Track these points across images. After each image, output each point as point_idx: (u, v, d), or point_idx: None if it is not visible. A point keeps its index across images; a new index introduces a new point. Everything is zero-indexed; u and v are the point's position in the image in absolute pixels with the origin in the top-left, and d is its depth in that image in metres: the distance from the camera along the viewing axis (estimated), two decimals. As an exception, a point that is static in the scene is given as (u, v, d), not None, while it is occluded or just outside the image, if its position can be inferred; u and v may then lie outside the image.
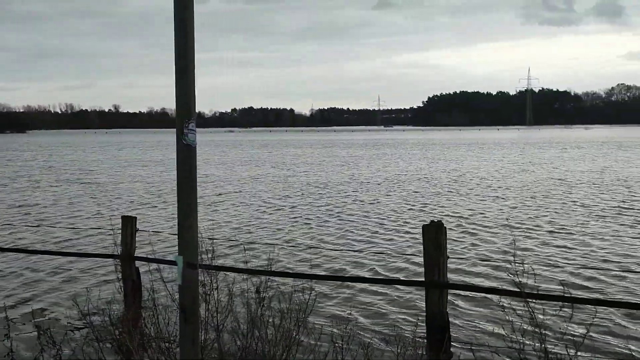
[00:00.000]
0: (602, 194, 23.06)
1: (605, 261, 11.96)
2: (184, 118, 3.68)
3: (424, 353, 6.88)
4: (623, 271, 10.98)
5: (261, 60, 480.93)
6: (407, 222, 17.04)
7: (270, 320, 5.62)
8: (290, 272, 9.49)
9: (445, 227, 6.93)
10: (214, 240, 6.90)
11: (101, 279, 10.80)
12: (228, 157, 54.53)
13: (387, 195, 23.96)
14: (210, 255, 6.17)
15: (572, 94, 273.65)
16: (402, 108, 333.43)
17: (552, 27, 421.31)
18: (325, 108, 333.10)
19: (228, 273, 6.84)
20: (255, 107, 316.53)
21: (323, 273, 10.98)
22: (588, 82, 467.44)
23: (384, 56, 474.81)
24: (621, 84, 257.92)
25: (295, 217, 18.34)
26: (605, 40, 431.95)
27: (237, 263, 10.74)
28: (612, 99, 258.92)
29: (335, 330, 6.76)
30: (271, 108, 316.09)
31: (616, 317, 8.39)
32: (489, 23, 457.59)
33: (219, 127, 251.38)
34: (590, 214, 18.03)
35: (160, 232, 14.16)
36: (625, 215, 17.65)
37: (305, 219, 18.05)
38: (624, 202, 20.54)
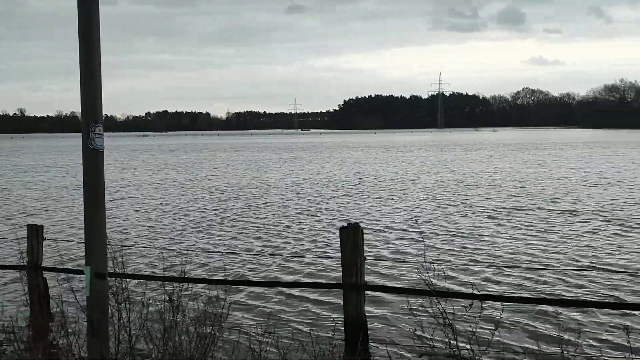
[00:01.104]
0: (501, 193, 23.91)
1: (511, 259, 12.42)
2: (90, 122, 3.54)
3: (342, 354, 6.92)
4: (528, 269, 11.42)
5: (175, 63, 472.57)
6: (322, 225, 17.07)
7: (186, 327, 5.49)
8: (205, 278, 9.32)
9: (362, 230, 7.00)
10: (126, 248, 6.68)
11: (5, 291, 10.25)
12: (135, 162, 53.04)
13: (301, 198, 23.92)
14: (122, 264, 5.97)
15: (481, 97, 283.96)
16: (319, 111, 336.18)
17: (460, 33, 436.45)
18: (242, 111, 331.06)
19: (142, 281, 6.65)
20: (170, 111, 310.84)
21: (239, 278, 10.87)
22: (495, 86, 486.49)
23: (299, 60, 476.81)
24: (526, 88, 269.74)
25: (206, 223, 17.97)
26: (509, 46, 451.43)
27: (150, 271, 10.48)
28: (518, 102, 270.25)
29: (252, 334, 6.69)
30: (186, 112, 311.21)
31: (524, 313, 8.71)
32: (399, 28, 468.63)
33: (133, 131, 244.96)
34: (490, 213, 18.62)
35: (69, 240, 13.61)
36: (518, 215, 18.35)
37: (218, 224, 17.77)
38: (520, 201, 21.40)
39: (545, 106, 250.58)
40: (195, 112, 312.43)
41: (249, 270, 11.74)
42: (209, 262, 12.29)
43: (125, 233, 16.06)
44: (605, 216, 17.45)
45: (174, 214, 19.98)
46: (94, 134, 3.52)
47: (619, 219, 16.83)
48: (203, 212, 20.28)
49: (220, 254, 12.87)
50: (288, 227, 16.95)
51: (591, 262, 11.89)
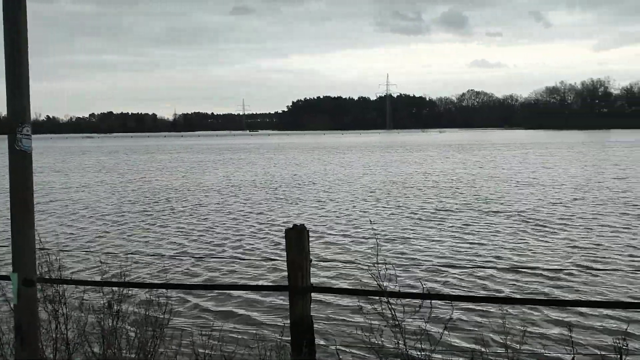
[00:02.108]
0: (440, 194, 24.30)
1: (459, 258, 12.59)
2: (17, 122, 3.36)
3: (289, 358, 6.84)
4: (475, 267, 11.59)
5: (120, 64, 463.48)
6: (266, 227, 16.95)
7: (126, 333, 5.33)
8: (146, 282, 9.11)
9: (307, 231, 6.92)
10: (62, 253, 6.44)
11: None
12: (71, 164, 51.62)
13: (242, 200, 23.68)
14: (58, 270, 5.74)
15: (428, 99, 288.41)
16: (267, 112, 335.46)
17: (405, 35, 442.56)
18: (189, 113, 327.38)
19: (80, 287, 6.42)
20: (115, 112, 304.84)
21: (182, 282, 10.66)
22: (441, 88, 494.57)
23: (247, 61, 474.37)
24: (471, 90, 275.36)
25: (144, 226, 17.63)
26: (453, 48, 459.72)
27: (88, 276, 10.19)
28: (463, 104, 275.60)
29: (196, 339, 6.54)
30: (132, 113, 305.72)
31: (472, 312, 8.81)
32: (346, 30, 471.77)
33: (76, 133, 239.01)
34: (430, 214, 18.87)
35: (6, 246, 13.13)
36: (455, 215, 18.65)
37: (159, 226, 17.49)
38: (459, 202, 21.79)
39: (489, 108, 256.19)
40: (141, 113, 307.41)
41: (192, 274, 11.54)
42: (150, 266, 12.02)
43: (60, 237, 15.59)
44: (531, 217, 17.90)
45: (108, 217, 19.50)
46: (21, 135, 3.34)
47: (543, 219, 17.29)
48: (141, 214, 19.88)
49: (162, 257, 12.62)
50: (232, 229, 16.77)
51: (534, 261, 12.14)
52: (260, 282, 10.73)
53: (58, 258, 5.77)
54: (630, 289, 9.91)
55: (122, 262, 10.33)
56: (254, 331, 8.04)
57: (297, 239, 6.81)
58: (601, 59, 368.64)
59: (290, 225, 6.17)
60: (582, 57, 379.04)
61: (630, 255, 12.43)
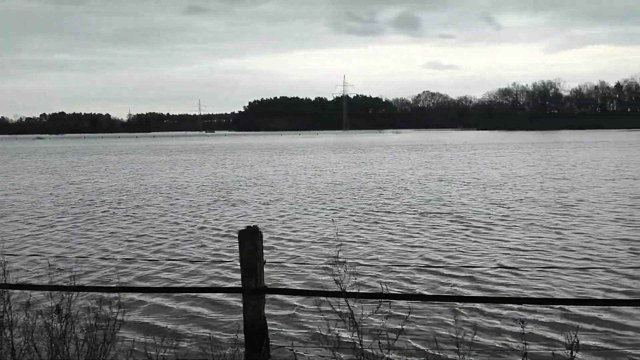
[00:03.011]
0: (390, 194, 24.56)
1: (417, 257, 12.71)
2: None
3: (243, 359, 6.79)
4: (437, 266, 11.72)
5: (73, 63, 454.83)
6: (219, 229, 16.79)
7: (75, 338, 5.21)
8: (97, 286, 8.93)
9: (261, 232, 6.89)
10: (6, 257, 6.26)
11: None
12: (15, 165, 50.25)
13: (191, 202, 23.39)
14: (2, 274, 5.58)
15: (384, 100, 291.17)
16: (224, 113, 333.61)
17: (360, 36, 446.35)
18: (144, 113, 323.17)
19: (26, 291, 6.25)
20: (67, 113, 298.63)
21: (133, 285, 10.49)
22: (397, 89, 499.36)
23: (203, 61, 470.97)
24: (426, 91, 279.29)
25: (93, 228, 17.32)
26: (407, 50, 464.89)
27: (35, 280, 9.95)
28: (419, 105, 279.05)
29: (149, 342, 6.44)
30: (85, 113, 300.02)
31: (428, 310, 8.90)
32: (302, 31, 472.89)
33: (27, 134, 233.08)
34: (387, 213, 19.03)
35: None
36: (411, 213, 18.91)
37: (106, 229, 17.14)
38: (418, 201, 22.06)
39: (444, 109, 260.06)
40: (94, 113, 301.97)
41: (144, 276, 11.36)
42: (100, 269, 11.79)
43: (5, 241, 15.15)
44: (473, 217, 18.22)
45: (52, 220, 19.03)
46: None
47: (488, 219, 17.64)
48: (85, 217, 19.46)
49: (112, 260, 12.40)
50: (182, 231, 16.54)
51: (483, 260, 12.35)
52: (213, 284, 10.63)
53: (3, 261, 5.61)
54: (572, 287, 10.15)
55: (71, 265, 10.11)
56: (208, 333, 7.95)
57: (250, 240, 6.77)
58: (551, 61, 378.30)
59: (243, 227, 6.13)
60: (533, 59, 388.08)
61: (569, 253, 12.75)
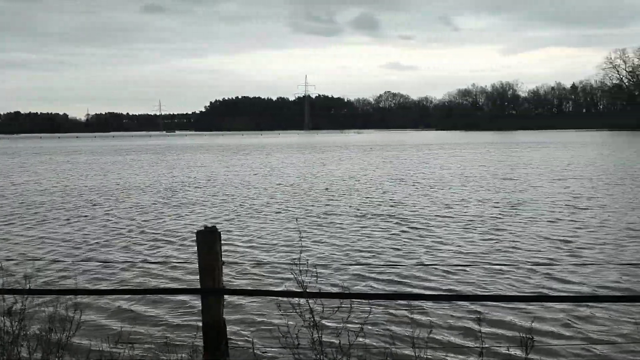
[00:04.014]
0: (355, 193, 24.74)
1: (373, 256, 12.81)
2: None
3: (202, 361, 6.75)
4: (393, 266, 11.82)
5: (29, 62, 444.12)
6: (176, 230, 16.63)
7: (27, 342, 5.11)
8: (52, 288, 8.76)
9: (219, 233, 6.86)
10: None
11: None
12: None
13: (148, 202, 23.12)
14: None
15: (346, 100, 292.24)
16: (185, 113, 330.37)
17: (319, 37, 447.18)
18: (103, 113, 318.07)
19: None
20: (22, 112, 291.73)
21: (89, 287, 10.32)
22: (358, 89, 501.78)
23: (163, 61, 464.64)
24: (387, 91, 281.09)
25: (47, 229, 17.00)
26: (367, 50, 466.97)
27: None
28: (380, 105, 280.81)
29: (105, 346, 6.35)
30: (41, 113, 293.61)
31: (388, 309, 8.98)
32: (262, 31, 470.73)
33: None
34: (342, 213, 19.12)
35: None
36: (365, 213, 19.07)
37: (59, 230, 16.83)
38: (370, 201, 22.23)
39: (405, 109, 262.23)
40: (51, 113, 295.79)
41: (101, 279, 11.19)
42: (55, 271, 11.57)
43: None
44: (432, 216, 18.50)
45: (10, 220, 18.68)
46: None
47: (446, 219, 17.92)
48: (39, 219, 19.04)
49: (67, 262, 12.19)
50: (137, 232, 16.31)
51: (443, 258, 12.52)
52: (171, 285, 10.54)
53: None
54: (526, 284, 10.37)
55: (23, 267, 9.91)
56: (166, 335, 7.88)
57: (208, 240, 6.74)
58: (509, 62, 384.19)
59: (200, 228, 6.10)
60: (491, 60, 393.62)
61: (519, 252, 13.03)
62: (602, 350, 7.41)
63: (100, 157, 62.27)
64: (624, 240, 13.82)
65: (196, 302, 8.35)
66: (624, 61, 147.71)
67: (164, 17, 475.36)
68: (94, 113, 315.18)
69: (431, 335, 7.28)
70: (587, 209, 18.84)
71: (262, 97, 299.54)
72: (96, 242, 14.98)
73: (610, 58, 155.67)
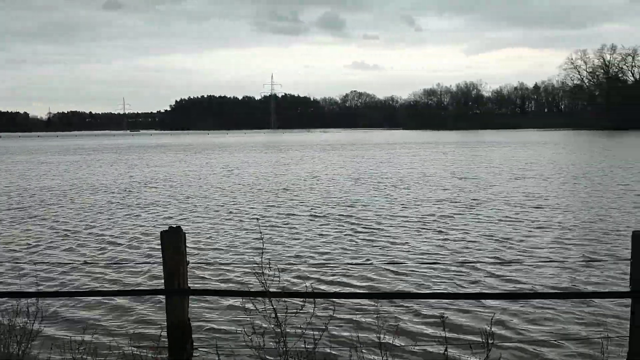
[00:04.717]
0: (314, 193, 24.80)
1: (335, 255, 12.87)
2: None
3: (166, 362, 6.71)
4: (355, 265, 11.89)
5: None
6: (140, 230, 16.49)
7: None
8: (12, 291, 8.60)
9: (184, 233, 6.82)
10: None
11: None
12: None
13: (109, 203, 22.81)
14: None
15: (312, 99, 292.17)
16: (150, 112, 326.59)
17: (284, 36, 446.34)
18: (66, 112, 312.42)
19: None
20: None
21: (51, 289, 10.15)
22: (325, 88, 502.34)
23: (127, 59, 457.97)
24: (354, 91, 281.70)
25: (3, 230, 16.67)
26: (333, 50, 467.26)
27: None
28: (347, 104, 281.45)
29: (67, 349, 6.27)
30: (1, 112, 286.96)
31: (353, 308, 9.04)
32: (226, 30, 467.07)
33: None
34: (303, 213, 19.18)
35: None
36: (326, 212, 19.17)
37: (14, 231, 16.57)
38: (330, 200, 22.35)
39: (372, 108, 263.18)
40: (11, 112, 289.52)
41: (63, 281, 11.01)
42: (16, 274, 11.27)
43: None
44: (390, 215, 18.69)
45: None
46: None
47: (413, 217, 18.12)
48: None
49: (27, 264, 11.96)
50: (101, 234, 16.07)
51: (406, 256, 12.65)
52: (136, 287, 10.43)
53: None
54: (486, 281, 10.55)
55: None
56: (130, 337, 7.80)
57: (173, 240, 6.69)
58: (472, 62, 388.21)
59: (164, 228, 6.07)
60: (455, 60, 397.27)
61: (482, 250, 13.24)
62: (552, 348, 7.57)
63: (59, 157, 61.13)
64: (576, 239, 14.14)
65: (161, 303, 8.30)
66: (585, 62, 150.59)
67: (126, 15, 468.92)
68: (56, 112, 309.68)
69: (397, 333, 7.37)
70: (539, 207, 19.20)
71: (228, 96, 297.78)
72: (55, 245, 14.70)
73: (571, 59, 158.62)
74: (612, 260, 11.55)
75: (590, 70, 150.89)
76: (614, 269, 11.00)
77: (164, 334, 6.76)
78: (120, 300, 9.50)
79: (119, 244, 14.70)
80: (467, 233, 15.14)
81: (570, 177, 29.43)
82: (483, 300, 9.11)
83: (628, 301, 5.84)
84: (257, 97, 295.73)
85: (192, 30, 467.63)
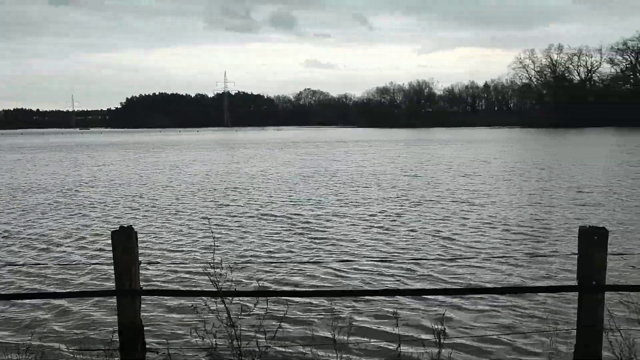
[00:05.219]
0: (262, 192, 24.81)
1: (290, 254, 12.87)
2: None
3: (118, 364, 6.60)
4: (302, 263, 11.91)
5: None
6: (89, 230, 16.18)
7: None
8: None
9: (136, 233, 6.72)
10: None
11: None
12: None
13: (54, 203, 22.30)
14: None
15: (266, 97, 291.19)
16: (100, 109, 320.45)
17: (238, 33, 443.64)
18: (11, 109, 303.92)
19: None
20: None
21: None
22: (278, 86, 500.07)
23: (75, 55, 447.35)
24: (307, 88, 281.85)
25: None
26: (286, 48, 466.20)
27: None
28: (301, 102, 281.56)
29: (13, 352, 6.12)
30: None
31: (306, 306, 9.05)
32: (178, 27, 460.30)
33: None
34: (254, 212, 19.17)
35: None
36: (274, 211, 19.22)
37: None
38: (279, 199, 22.39)
39: (325, 106, 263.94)
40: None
41: (9, 282, 10.75)
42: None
43: None
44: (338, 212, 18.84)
45: None
46: None
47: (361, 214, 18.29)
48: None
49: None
50: (49, 234, 15.71)
51: (357, 254, 12.73)
52: (86, 288, 10.23)
53: None
54: (436, 278, 10.72)
55: None
56: (80, 340, 7.65)
57: (124, 240, 6.59)
58: (424, 61, 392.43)
59: (114, 228, 5.97)
60: (407, 59, 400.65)
61: (434, 246, 13.45)
62: (502, 345, 7.74)
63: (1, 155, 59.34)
64: (523, 235, 14.48)
65: (112, 304, 8.15)
66: (533, 61, 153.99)
67: (74, 10, 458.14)
68: (0, 109, 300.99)
69: (350, 330, 7.41)
70: (486, 204, 19.56)
71: (181, 94, 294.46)
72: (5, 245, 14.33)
73: (520, 58, 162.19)
74: (559, 255, 11.86)
75: (538, 69, 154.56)
76: (560, 263, 11.30)
77: (116, 335, 6.66)
78: (69, 302, 9.29)
79: (67, 244, 14.38)
80: (415, 230, 15.32)
81: (517, 174, 30.10)
82: (433, 297, 9.23)
83: (576, 295, 6.02)
84: (211, 95, 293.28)
85: (142, 27, 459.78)
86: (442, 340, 5.44)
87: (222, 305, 5.41)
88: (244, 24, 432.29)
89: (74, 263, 12.20)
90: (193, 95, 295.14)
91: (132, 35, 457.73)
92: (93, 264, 11.92)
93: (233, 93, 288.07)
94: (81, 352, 6.05)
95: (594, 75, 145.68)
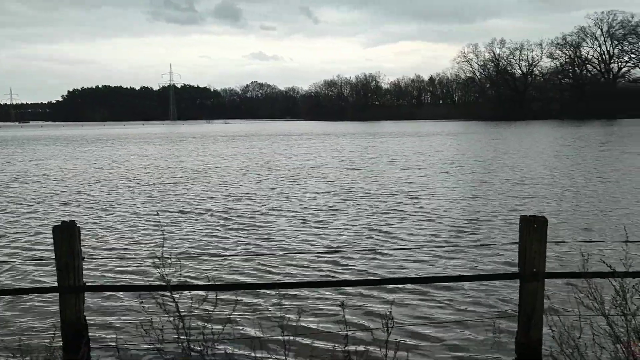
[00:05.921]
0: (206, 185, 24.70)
1: (239, 247, 12.84)
2: None
3: (61, 362, 6.46)
4: (259, 254, 11.91)
5: None
6: (28, 226, 15.76)
7: None
8: None
9: (79, 228, 6.59)
10: None
11: None
12: None
13: None
14: None
15: (212, 90, 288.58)
16: (40, 102, 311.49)
17: (181, 25, 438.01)
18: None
19: None
20: None
21: None
22: (224, 79, 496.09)
23: (13, 47, 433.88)
24: (254, 81, 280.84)
25: None
26: (230, 40, 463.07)
27: None
28: (248, 95, 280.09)
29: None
30: None
31: (255, 298, 9.04)
32: (118, 18, 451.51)
33: None
34: (200, 207, 19.10)
35: None
36: (222, 204, 19.18)
37: None
38: (227, 193, 22.34)
39: (273, 99, 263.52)
40: None
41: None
42: None
43: None
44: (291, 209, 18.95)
45: None
46: None
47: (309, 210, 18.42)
48: None
49: None
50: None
51: (307, 247, 12.81)
52: (26, 285, 9.96)
53: None
54: (381, 266, 10.88)
55: None
56: (21, 338, 7.44)
57: (66, 235, 6.46)
58: (370, 55, 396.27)
59: (55, 223, 5.83)
60: (353, 53, 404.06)
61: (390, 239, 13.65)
62: (447, 332, 7.92)
63: None
64: (466, 225, 14.81)
65: (54, 301, 7.97)
66: (476, 55, 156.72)
67: (9, 1, 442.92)
68: None
69: (299, 322, 7.44)
70: (429, 196, 19.92)
71: (125, 87, 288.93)
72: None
73: (464, 52, 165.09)
74: (501, 244, 12.16)
75: (482, 63, 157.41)
76: (502, 252, 11.59)
77: (58, 333, 6.51)
78: (10, 300, 9.03)
79: (4, 242, 13.94)
80: (358, 221, 15.47)
81: (458, 166, 30.68)
82: (380, 286, 9.34)
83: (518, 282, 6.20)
84: (156, 88, 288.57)
85: (83, 18, 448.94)
86: (390, 328, 5.52)
87: (170, 299, 5.36)
88: (187, 16, 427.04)
89: (13, 259, 11.86)
90: (138, 88, 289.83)
91: (72, 27, 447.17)
92: (36, 260, 11.62)
93: (179, 86, 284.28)
94: (21, 351, 5.88)
95: (534, 69, 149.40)
